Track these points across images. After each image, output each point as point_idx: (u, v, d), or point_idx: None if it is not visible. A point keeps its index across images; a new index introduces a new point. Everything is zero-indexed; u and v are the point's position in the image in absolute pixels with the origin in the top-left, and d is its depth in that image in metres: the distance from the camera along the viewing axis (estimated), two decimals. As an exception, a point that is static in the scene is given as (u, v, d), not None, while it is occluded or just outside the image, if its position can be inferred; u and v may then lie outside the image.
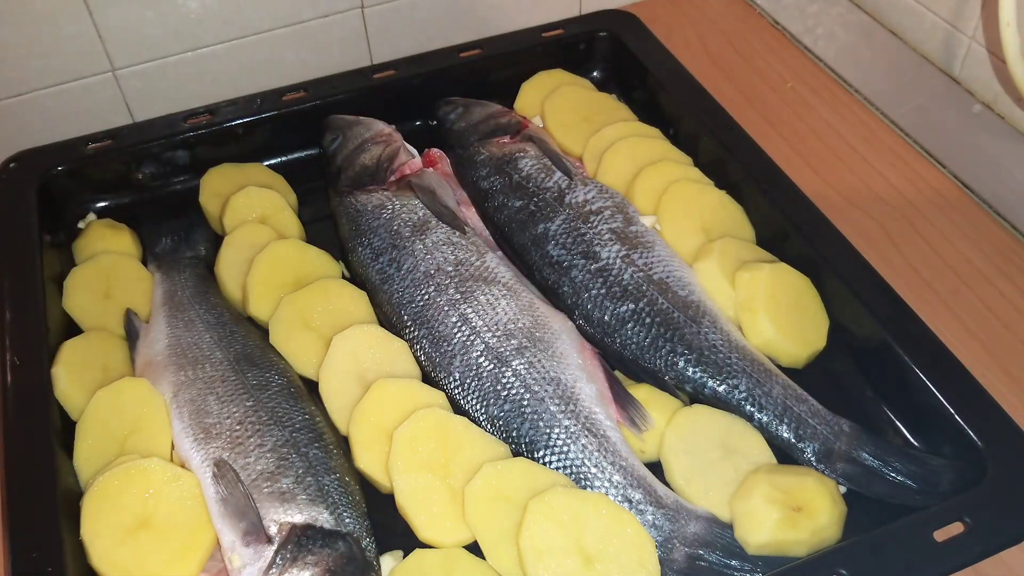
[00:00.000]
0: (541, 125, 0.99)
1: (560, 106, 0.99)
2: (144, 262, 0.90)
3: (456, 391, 0.76)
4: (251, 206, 0.91)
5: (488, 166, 0.92)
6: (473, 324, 0.78)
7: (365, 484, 0.72)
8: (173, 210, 0.95)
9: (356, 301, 0.83)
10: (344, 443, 0.74)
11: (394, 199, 0.88)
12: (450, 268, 0.82)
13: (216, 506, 0.67)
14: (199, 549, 0.66)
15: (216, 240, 0.92)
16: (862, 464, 0.70)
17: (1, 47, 0.93)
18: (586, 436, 0.71)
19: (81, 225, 0.94)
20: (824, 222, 0.83)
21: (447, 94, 1.01)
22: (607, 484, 0.69)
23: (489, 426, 0.74)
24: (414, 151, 0.95)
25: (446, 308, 0.79)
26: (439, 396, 0.75)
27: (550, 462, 0.71)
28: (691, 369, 0.75)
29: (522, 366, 0.75)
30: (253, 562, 0.64)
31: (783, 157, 0.94)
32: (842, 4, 1.05)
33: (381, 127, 0.96)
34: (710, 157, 0.92)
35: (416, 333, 0.80)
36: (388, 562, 0.67)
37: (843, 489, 0.70)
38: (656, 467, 0.72)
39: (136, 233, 0.93)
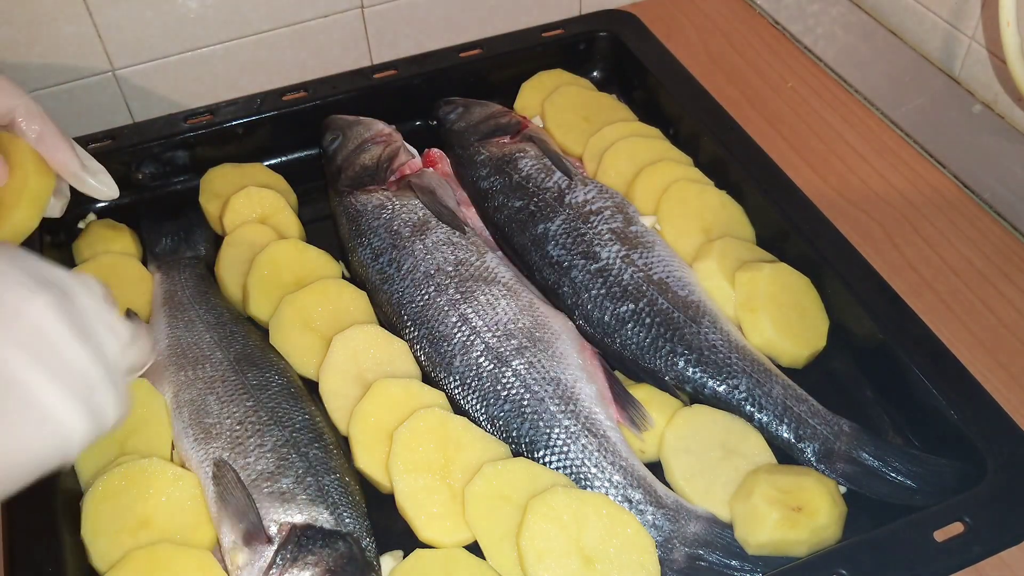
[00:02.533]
0: (541, 125, 0.99)
1: (560, 106, 0.99)
2: (144, 262, 0.90)
3: (456, 391, 0.76)
4: (251, 206, 0.91)
5: (488, 166, 0.92)
6: (473, 324, 0.78)
7: (365, 484, 0.72)
8: (173, 210, 0.95)
9: (356, 301, 0.83)
10: (344, 443, 0.74)
11: (394, 199, 0.88)
12: (450, 268, 0.82)
13: (216, 506, 0.67)
14: (193, 547, 0.66)
15: (216, 240, 0.92)
16: (862, 464, 0.70)
17: (1, 47, 0.93)
18: (586, 436, 0.71)
19: (81, 225, 0.94)
20: (824, 222, 0.83)
21: (447, 94, 1.01)
22: (607, 484, 0.69)
23: (489, 426, 0.74)
24: (414, 151, 0.95)
25: (446, 308, 0.79)
26: (439, 396, 0.75)
27: (550, 462, 0.71)
28: (691, 369, 0.75)
29: (522, 366, 0.75)
30: (253, 562, 0.64)
31: (783, 157, 0.94)
32: (842, 4, 1.05)
33: (381, 127, 0.96)
34: (710, 157, 0.92)
35: (416, 333, 0.80)
36: (388, 562, 0.67)
37: (843, 489, 0.70)
38: (656, 467, 0.72)
39: (136, 233, 0.93)
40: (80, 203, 0.96)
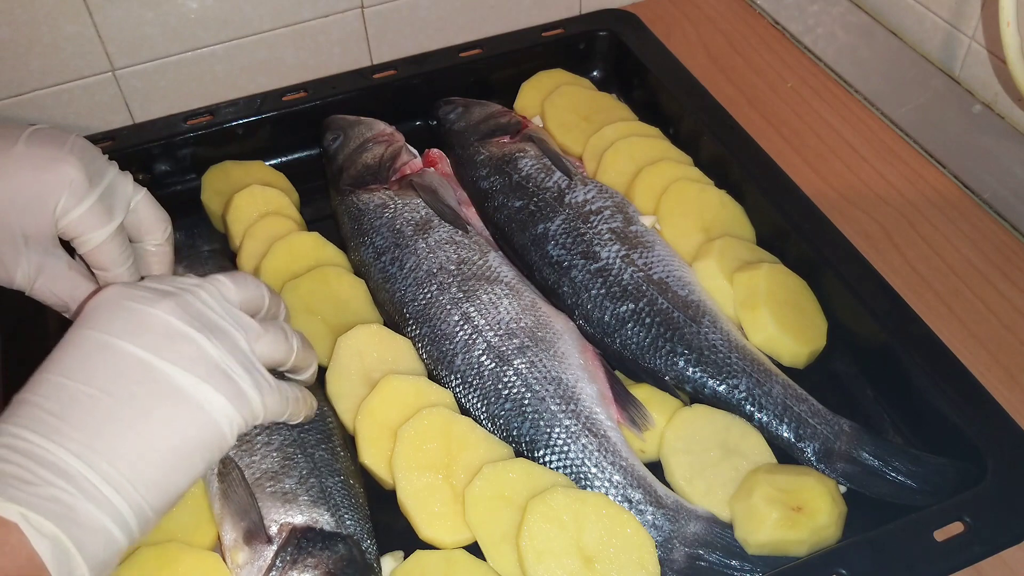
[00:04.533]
0: (541, 125, 0.99)
1: (560, 106, 0.99)
2: None
3: (458, 389, 0.76)
4: (255, 204, 0.91)
5: (488, 166, 0.92)
6: (475, 323, 0.78)
7: (368, 480, 0.72)
8: (177, 209, 0.95)
9: (355, 288, 0.84)
10: (351, 439, 0.74)
11: (396, 198, 0.88)
12: (452, 267, 0.82)
13: (219, 503, 0.67)
14: (200, 548, 0.66)
15: (220, 238, 0.92)
16: (862, 464, 0.70)
17: (1, 47, 0.93)
18: (586, 436, 0.71)
19: None
20: (824, 222, 0.83)
21: (447, 94, 1.01)
22: (607, 484, 0.69)
23: (490, 425, 0.74)
24: (415, 151, 0.95)
25: (448, 307, 0.79)
26: (446, 395, 0.75)
27: (550, 461, 0.71)
28: (691, 369, 0.75)
29: (523, 365, 0.75)
30: (253, 561, 0.64)
31: (783, 157, 0.94)
32: (842, 4, 1.05)
33: (383, 127, 0.96)
34: (710, 157, 0.92)
35: (418, 331, 0.80)
36: (389, 563, 0.67)
37: (843, 489, 0.70)
38: (656, 467, 0.72)
39: None
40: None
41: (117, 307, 0.56)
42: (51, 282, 0.70)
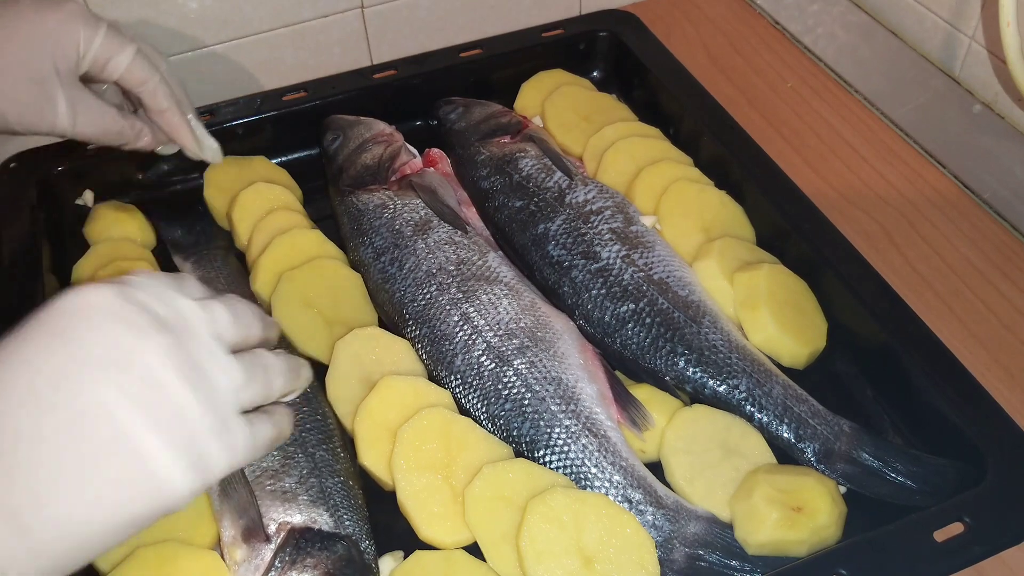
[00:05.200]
0: (541, 125, 1.00)
1: (560, 106, 0.99)
2: (153, 252, 0.90)
3: (457, 390, 0.76)
4: (260, 202, 0.91)
5: (488, 166, 0.92)
6: (475, 323, 0.78)
7: (367, 481, 0.72)
8: (179, 207, 0.95)
9: (352, 279, 0.84)
10: (351, 441, 0.74)
11: (395, 199, 0.88)
12: (452, 267, 0.82)
13: (218, 500, 0.67)
14: (200, 546, 0.66)
15: (224, 235, 0.92)
16: (862, 464, 0.70)
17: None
18: (586, 436, 0.71)
19: (79, 203, 0.95)
20: (824, 222, 0.83)
21: (447, 94, 1.01)
22: (607, 484, 0.69)
23: (490, 425, 0.74)
24: (414, 151, 0.95)
25: (448, 307, 0.79)
26: (445, 395, 0.75)
27: (550, 462, 0.71)
28: (691, 369, 0.75)
29: (523, 365, 0.75)
30: (250, 560, 0.64)
31: (783, 157, 0.94)
32: (842, 4, 1.05)
33: (382, 127, 0.96)
34: (710, 157, 0.92)
35: (418, 332, 0.80)
36: (389, 563, 0.67)
37: (843, 489, 0.70)
38: (656, 467, 0.72)
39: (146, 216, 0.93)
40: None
41: (102, 328, 0.47)
42: (90, 113, 0.74)
